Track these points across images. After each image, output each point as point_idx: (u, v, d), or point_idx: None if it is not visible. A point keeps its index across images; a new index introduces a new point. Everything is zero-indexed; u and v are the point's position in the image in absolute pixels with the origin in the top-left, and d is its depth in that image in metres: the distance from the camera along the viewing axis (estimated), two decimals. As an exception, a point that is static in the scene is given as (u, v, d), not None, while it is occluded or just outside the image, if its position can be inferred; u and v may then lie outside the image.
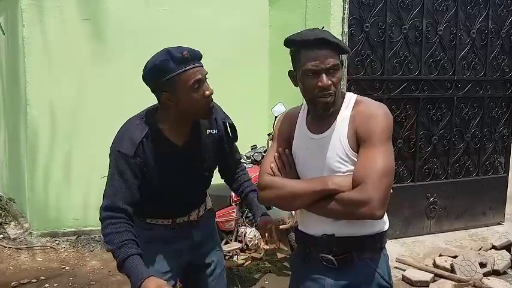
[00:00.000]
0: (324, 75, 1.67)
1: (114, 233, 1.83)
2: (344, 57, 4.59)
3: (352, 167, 1.69)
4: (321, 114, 1.76)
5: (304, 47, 1.69)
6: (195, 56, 1.92)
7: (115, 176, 1.90)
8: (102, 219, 1.88)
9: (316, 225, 1.78)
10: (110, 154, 1.94)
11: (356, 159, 1.69)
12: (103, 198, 1.91)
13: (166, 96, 1.94)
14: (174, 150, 2.00)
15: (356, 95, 1.80)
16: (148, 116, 2.01)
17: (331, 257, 1.75)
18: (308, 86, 1.70)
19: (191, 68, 1.90)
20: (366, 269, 1.75)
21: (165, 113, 1.99)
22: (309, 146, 1.80)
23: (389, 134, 1.71)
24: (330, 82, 1.67)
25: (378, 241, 1.75)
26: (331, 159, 1.73)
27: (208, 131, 2.11)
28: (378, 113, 1.70)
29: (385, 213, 1.76)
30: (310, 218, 1.79)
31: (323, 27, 1.79)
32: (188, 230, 2.14)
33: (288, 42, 1.75)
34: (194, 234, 2.15)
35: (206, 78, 1.96)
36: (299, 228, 1.89)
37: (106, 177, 1.93)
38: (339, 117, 1.74)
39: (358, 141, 1.70)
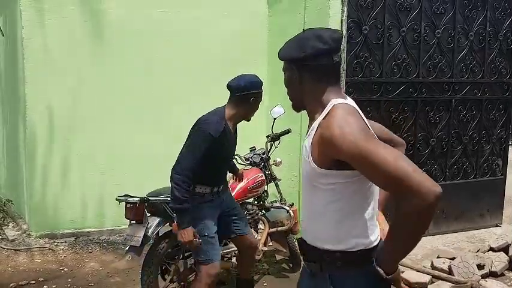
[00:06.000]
0: None
1: (183, 188, 2.90)
2: (343, 59, 4.61)
3: (311, 176, 1.67)
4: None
5: None
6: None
7: (194, 150, 2.95)
8: (173, 181, 2.92)
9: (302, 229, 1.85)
10: (197, 131, 2.99)
11: (315, 169, 1.63)
12: (176, 163, 2.96)
13: (252, 100, 3.12)
14: (231, 138, 3.17)
15: (336, 102, 1.66)
16: (221, 115, 3.06)
17: (304, 261, 1.80)
18: None
19: (261, 91, 3.20)
20: (325, 284, 1.70)
21: (231, 112, 3.10)
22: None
23: (362, 137, 1.54)
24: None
25: (339, 259, 1.67)
26: (302, 163, 1.76)
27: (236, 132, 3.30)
28: (334, 134, 1.55)
29: (349, 234, 1.67)
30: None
31: (303, 29, 1.78)
32: (219, 195, 3.27)
33: None
34: (222, 196, 3.30)
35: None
36: None
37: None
38: (314, 123, 1.68)
39: (336, 161, 1.59)
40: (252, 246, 3.51)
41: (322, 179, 1.65)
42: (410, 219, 1.44)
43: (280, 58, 1.79)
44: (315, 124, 1.67)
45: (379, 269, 1.57)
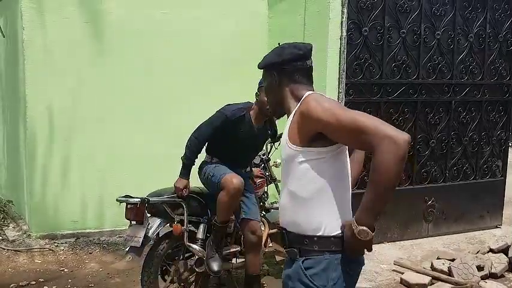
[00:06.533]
0: None
1: (191, 148, 3.41)
2: (343, 61, 4.62)
3: (287, 157, 1.84)
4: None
5: None
6: None
7: (210, 123, 3.41)
8: (192, 137, 3.41)
9: (280, 218, 1.97)
10: (218, 111, 3.43)
11: (292, 150, 1.81)
12: (196, 129, 3.42)
13: (258, 94, 3.42)
14: (250, 129, 3.46)
15: (309, 93, 1.85)
16: (246, 106, 3.47)
17: (284, 249, 1.92)
18: None
19: None
20: (297, 265, 1.83)
21: (257, 107, 3.45)
22: None
23: (336, 105, 1.78)
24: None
25: (316, 243, 1.80)
26: (282, 152, 1.92)
27: (269, 131, 3.72)
28: (311, 106, 1.76)
29: (324, 218, 1.80)
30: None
31: (279, 43, 2.02)
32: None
33: None
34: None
35: None
36: None
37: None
38: (291, 114, 1.88)
39: (313, 137, 1.77)
40: (254, 233, 3.50)
41: (298, 157, 1.80)
42: (387, 162, 1.61)
43: (262, 67, 2.01)
44: (291, 115, 1.87)
45: (364, 228, 1.68)
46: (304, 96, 1.85)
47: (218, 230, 3.48)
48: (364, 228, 1.68)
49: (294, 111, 1.85)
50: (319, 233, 1.80)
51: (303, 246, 1.82)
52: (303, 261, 1.81)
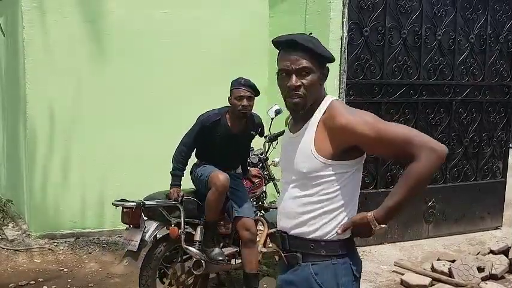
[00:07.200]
0: (293, 75, 1.73)
1: (177, 159, 3.55)
2: (344, 61, 4.61)
3: (313, 169, 1.73)
4: (292, 114, 1.85)
5: (282, 49, 1.79)
6: (247, 85, 3.47)
7: (191, 131, 3.54)
8: (177, 148, 3.57)
9: (280, 222, 1.88)
10: (196, 121, 3.54)
11: (320, 162, 1.72)
12: (179, 142, 3.57)
13: (230, 98, 3.51)
14: (227, 132, 3.53)
15: (332, 98, 1.79)
16: (222, 111, 3.56)
17: (283, 253, 1.84)
18: (281, 86, 1.80)
19: (240, 89, 3.46)
20: (305, 271, 1.77)
21: (230, 110, 3.53)
22: (285, 143, 1.90)
23: (374, 119, 1.72)
24: (298, 83, 1.72)
25: (324, 248, 1.76)
26: (297, 159, 1.78)
27: (252, 132, 3.71)
28: (350, 120, 1.69)
29: (336, 226, 1.76)
30: (279, 214, 1.90)
31: (310, 33, 1.85)
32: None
33: (273, 43, 1.84)
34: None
35: (251, 99, 3.48)
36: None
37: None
38: (311, 119, 1.77)
39: (345, 149, 1.71)
40: (248, 230, 3.54)
41: (326, 170, 1.73)
42: (427, 171, 1.67)
43: (324, 55, 1.78)
44: (314, 120, 1.76)
45: (384, 226, 1.71)
46: (326, 103, 1.77)
47: (209, 228, 3.55)
48: (384, 226, 1.72)
49: (317, 119, 1.75)
50: (329, 238, 1.76)
51: (308, 251, 1.77)
52: (313, 268, 1.76)
